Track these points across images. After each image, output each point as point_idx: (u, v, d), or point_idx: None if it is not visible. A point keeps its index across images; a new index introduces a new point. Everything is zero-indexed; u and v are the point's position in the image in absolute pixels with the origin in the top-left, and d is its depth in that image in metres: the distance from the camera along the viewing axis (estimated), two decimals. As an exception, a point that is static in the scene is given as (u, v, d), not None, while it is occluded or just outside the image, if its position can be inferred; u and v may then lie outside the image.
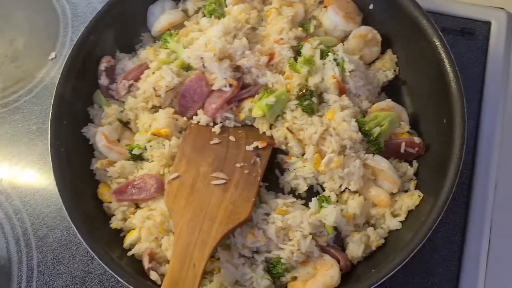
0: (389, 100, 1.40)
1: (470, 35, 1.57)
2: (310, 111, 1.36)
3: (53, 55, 1.68)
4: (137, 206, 1.37)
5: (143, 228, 1.30)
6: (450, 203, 1.34)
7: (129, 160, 1.41)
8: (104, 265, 1.19)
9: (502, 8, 1.60)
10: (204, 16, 1.54)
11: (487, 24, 1.57)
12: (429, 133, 1.37)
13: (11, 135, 1.59)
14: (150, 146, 1.38)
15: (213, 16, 1.51)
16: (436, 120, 1.33)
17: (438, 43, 1.32)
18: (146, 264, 1.25)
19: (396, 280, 1.32)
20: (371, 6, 1.49)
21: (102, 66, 1.47)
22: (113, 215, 1.36)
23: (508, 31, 1.55)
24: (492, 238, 1.33)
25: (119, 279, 1.18)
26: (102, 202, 1.38)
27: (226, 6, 1.53)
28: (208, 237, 1.19)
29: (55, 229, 1.46)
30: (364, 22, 1.51)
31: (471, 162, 1.41)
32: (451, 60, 1.29)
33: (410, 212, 1.29)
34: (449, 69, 1.29)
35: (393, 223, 1.29)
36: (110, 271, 1.19)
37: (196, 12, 1.58)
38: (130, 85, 1.46)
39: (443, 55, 1.31)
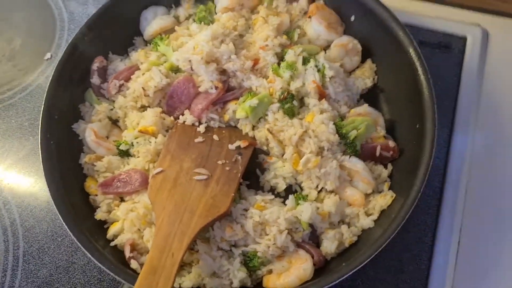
0: (367, 105, 1.47)
1: (446, 49, 1.65)
2: (291, 113, 1.42)
3: (48, 55, 1.75)
4: (122, 199, 1.43)
5: (126, 220, 1.35)
6: (422, 205, 1.42)
7: (116, 155, 1.47)
8: (87, 253, 1.24)
9: (478, 25, 1.68)
10: (194, 22, 1.62)
11: (463, 39, 1.66)
12: (404, 138, 1.43)
13: (4, 130, 1.65)
14: (137, 142, 1.44)
15: (202, 23, 1.59)
16: (410, 126, 1.39)
17: (413, 53, 1.40)
18: (127, 253, 1.30)
19: (368, 277, 1.37)
20: (352, 18, 1.57)
21: (95, 66, 1.53)
22: (98, 207, 1.41)
23: (482, 46, 1.64)
24: (462, 239, 1.39)
25: (101, 266, 1.23)
26: (89, 195, 1.43)
27: (216, 14, 1.62)
28: (187, 229, 1.24)
29: (42, 221, 1.51)
30: (346, 32, 1.59)
31: (443, 167, 1.48)
32: (425, 69, 1.37)
33: (382, 211, 1.34)
34: (422, 77, 1.36)
35: (366, 222, 1.34)
36: (93, 259, 1.23)
37: (187, 18, 1.66)
38: (121, 85, 1.52)
39: (417, 64, 1.38)
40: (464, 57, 1.63)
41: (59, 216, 1.28)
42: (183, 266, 1.32)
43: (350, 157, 1.40)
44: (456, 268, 1.36)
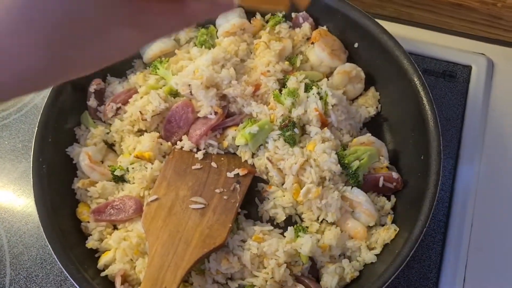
0: (369, 134, 1.43)
1: (451, 78, 1.62)
2: (292, 141, 1.38)
3: (46, 76, 1.72)
4: (115, 227, 1.37)
5: (119, 249, 1.29)
6: (427, 240, 1.36)
7: (110, 181, 1.42)
8: (75, 284, 1.18)
9: (482, 54, 1.66)
10: (195, 46, 1.59)
11: (468, 68, 1.63)
12: (408, 169, 1.39)
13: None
14: (133, 168, 1.40)
15: (203, 46, 1.57)
16: (414, 157, 1.36)
17: (417, 82, 1.37)
18: (118, 285, 1.24)
19: (370, 314, 1.30)
20: (356, 45, 1.54)
21: (92, 88, 1.50)
22: (90, 234, 1.36)
23: (487, 75, 1.61)
24: (467, 275, 1.33)
25: (89, 299, 1.17)
26: (80, 221, 1.38)
27: (217, 38, 1.59)
28: (182, 261, 1.19)
29: (31, 247, 1.45)
30: (349, 60, 1.56)
31: (448, 200, 1.43)
32: (429, 98, 1.34)
33: (385, 246, 1.29)
34: (427, 107, 1.33)
35: (369, 256, 1.29)
36: (81, 290, 1.18)
37: (188, 42, 1.63)
38: (118, 108, 1.48)
39: (422, 93, 1.35)
40: (469, 86, 1.60)
41: (47, 242, 1.23)
42: (177, 300, 1.26)
43: (352, 188, 1.36)
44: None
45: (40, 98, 1.68)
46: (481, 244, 1.36)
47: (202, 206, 1.29)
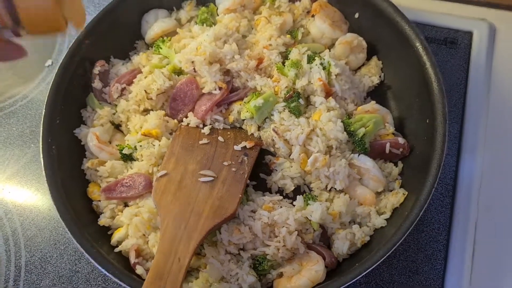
0: (374, 102, 1.44)
1: (452, 44, 1.62)
2: (297, 112, 1.39)
3: (49, 62, 1.73)
4: (126, 205, 1.39)
5: (131, 225, 1.31)
6: (435, 203, 1.37)
7: (119, 160, 1.43)
8: (90, 259, 1.20)
9: (483, 19, 1.65)
10: (196, 24, 1.59)
11: (469, 33, 1.63)
12: (414, 134, 1.40)
13: (5, 138, 1.62)
14: (140, 146, 1.41)
15: (205, 25, 1.57)
16: (419, 122, 1.36)
17: (420, 47, 1.37)
18: (132, 259, 1.26)
19: (382, 278, 1.32)
20: (356, 15, 1.54)
21: (96, 70, 1.51)
22: (102, 213, 1.37)
23: (489, 40, 1.61)
24: (477, 236, 1.34)
25: (105, 272, 1.18)
26: (91, 201, 1.40)
27: (218, 16, 1.60)
28: (194, 232, 1.20)
29: (44, 229, 1.47)
30: (350, 30, 1.56)
31: (455, 164, 1.44)
32: (433, 62, 1.34)
33: (395, 210, 1.30)
34: (430, 70, 1.33)
35: (379, 221, 1.30)
36: (96, 265, 1.19)
37: (189, 21, 1.64)
38: (123, 89, 1.50)
39: (425, 58, 1.35)
40: (471, 52, 1.60)
41: (62, 221, 1.24)
42: (190, 271, 1.28)
43: (359, 155, 1.36)
44: (472, 267, 1.31)
45: (45, 84, 1.69)
46: (490, 203, 1.37)
47: (211, 178, 1.30)
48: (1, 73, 1.73)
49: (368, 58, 1.55)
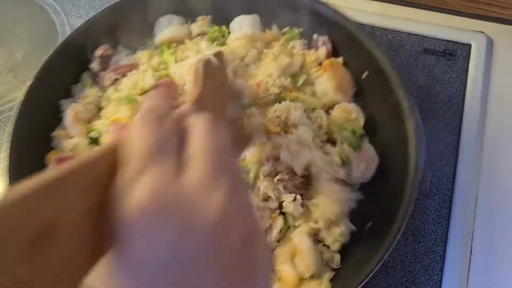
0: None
1: (451, 56, 1.64)
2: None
3: (50, 65, 1.73)
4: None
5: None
6: (433, 214, 1.39)
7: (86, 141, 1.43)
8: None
9: (482, 32, 1.67)
10: (206, 41, 1.56)
11: (468, 46, 1.65)
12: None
13: (5, 142, 1.61)
14: (108, 132, 1.40)
15: (215, 43, 1.54)
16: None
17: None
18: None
19: (378, 289, 1.32)
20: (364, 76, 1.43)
21: (98, 52, 1.52)
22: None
23: (487, 52, 1.63)
24: (474, 247, 1.35)
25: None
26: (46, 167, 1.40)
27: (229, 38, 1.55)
28: None
29: None
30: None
31: (452, 175, 1.45)
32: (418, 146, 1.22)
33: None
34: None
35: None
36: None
37: (201, 35, 1.60)
38: (116, 79, 1.50)
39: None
40: (469, 64, 1.62)
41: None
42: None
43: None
44: (469, 278, 1.32)
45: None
46: (487, 214, 1.38)
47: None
48: (1, 76, 1.74)
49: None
